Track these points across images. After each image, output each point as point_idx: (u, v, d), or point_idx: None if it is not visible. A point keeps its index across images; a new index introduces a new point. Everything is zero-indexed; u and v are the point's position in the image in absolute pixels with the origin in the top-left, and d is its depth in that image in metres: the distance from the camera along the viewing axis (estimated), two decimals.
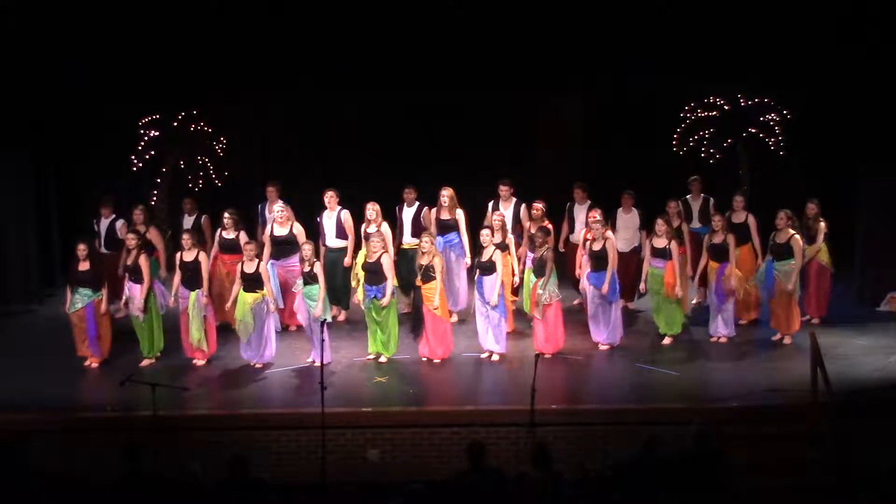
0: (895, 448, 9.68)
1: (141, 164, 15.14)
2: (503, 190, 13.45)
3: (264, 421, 10.90)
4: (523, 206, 13.42)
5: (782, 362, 12.07)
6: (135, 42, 14.80)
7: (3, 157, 14.66)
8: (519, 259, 13.06)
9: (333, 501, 9.00)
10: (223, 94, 15.50)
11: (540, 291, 12.08)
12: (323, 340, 11.02)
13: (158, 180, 15.35)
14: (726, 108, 15.63)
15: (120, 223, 13.73)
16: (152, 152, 15.19)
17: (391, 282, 12.05)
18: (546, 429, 10.18)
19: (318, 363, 11.41)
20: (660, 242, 12.51)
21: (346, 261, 13.17)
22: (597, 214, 12.66)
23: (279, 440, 10.72)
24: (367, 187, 14.14)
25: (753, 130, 15.53)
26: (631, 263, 13.47)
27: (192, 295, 12.09)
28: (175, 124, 15.28)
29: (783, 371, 11.76)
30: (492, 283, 12.08)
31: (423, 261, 12.04)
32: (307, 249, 12.02)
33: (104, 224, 13.85)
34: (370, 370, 12.08)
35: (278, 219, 13.05)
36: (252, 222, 13.76)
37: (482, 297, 12.15)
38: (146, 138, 15.14)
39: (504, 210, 13.27)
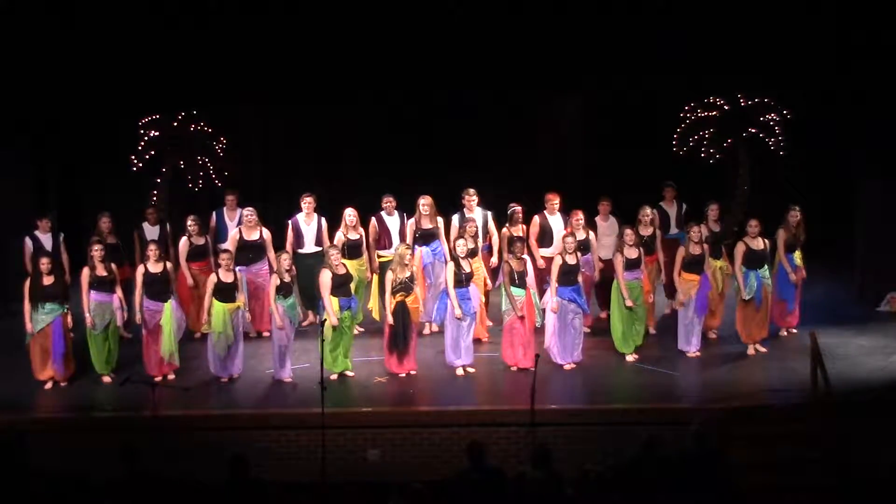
0: (895, 448, 9.69)
1: (141, 164, 15.13)
2: (467, 200, 12.99)
3: (264, 421, 10.91)
4: (489, 214, 13.15)
5: (782, 362, 12.07)
6: (135, 43, 14.79)
7: (3, 157, 14.66)
8: (491, 267, 12.87)
9: (333, 501, 9.01)
10: (223, 94, 15.47)
11: (506, 307, 11.90)
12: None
13: (158, 180, 15.34)
14: (726, 108, 15.61)
15: (62, 236, 13.25)
16: (152, 152, 15.18)
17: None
18: (546, 429, 10.19)
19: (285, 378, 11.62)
20: (633, 253, 12.23)
21: (366, 273, 12.92)
22: (580, 216, 12.65)
23: (279, 440, 10.73)
24: (365, 189, 14.14)
25: (753, 130, 15.52)
26: (612, 271, 13.20)
27: (167, 306, 11.73)
28: (175, 125, 15.27)
29: (783, 371, 11.77)
30: (476, 291, 11.97)
31: (405, 274, 11.68)
32: (286, 260, 11.83)
33: (45, 238, 13.19)
34: (369, 371, 12.04)
35: (248, 223, 12.87)
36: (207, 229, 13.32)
37: (467, 308, 11.84)
38: (146, 138, 15.13)
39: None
